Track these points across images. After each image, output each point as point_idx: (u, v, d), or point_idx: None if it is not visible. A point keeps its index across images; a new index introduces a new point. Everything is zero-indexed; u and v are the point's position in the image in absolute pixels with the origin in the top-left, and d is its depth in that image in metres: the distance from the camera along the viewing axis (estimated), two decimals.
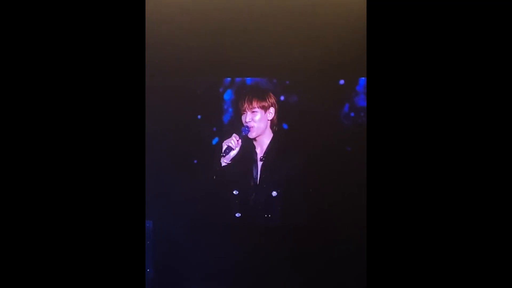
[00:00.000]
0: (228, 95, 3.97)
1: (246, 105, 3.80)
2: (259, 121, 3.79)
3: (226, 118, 3.90)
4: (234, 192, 3.82)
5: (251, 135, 3.80)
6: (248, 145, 3.84)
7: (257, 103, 3.79)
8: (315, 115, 3.87)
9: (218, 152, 3.79)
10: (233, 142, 3.73)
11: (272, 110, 3.81)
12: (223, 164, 3.76)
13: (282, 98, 3.95)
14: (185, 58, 3.89)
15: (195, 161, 3.89)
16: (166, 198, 3.85)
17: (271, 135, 3.85)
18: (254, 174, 3.84)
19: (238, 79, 3.98)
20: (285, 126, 3.93)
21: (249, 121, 3.79)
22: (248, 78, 3.98)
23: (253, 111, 3.79)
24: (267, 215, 3.78)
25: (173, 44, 3.86)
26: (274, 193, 3.78)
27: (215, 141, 3.89)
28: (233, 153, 3.74)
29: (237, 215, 3.81)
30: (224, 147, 3.73)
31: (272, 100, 3.82)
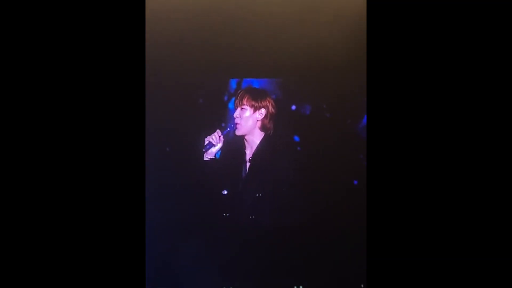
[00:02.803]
0: (233, 104, 3.96)
1: (237, 101, 3.81)
2: (246, 119, 3.78)
3: (230, 126, 3.87)
4: (223, 192, 3.82)
5: (238, 132, 3.80)
6: (238, 145, 3.83)
7: (247, 101, 3.80)
8: (328, 126, 3.87)
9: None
10: (215, 138, 3.75)
11: (263, 111, 3.81)
12: (205, 159, 3.78)
13: (293, 107, 3.95)
14: (188, 59, 3.88)
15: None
16: (161, 199, 3.84)
17: (261, 136, 3.84)
18: (243, 174, 3.83)
19: (244, 85, 3.97)
20: (296, 138, 3.92)
21: (236, 117, 3.79)
22: (254, 81, 3.97)
23: (242, 108, 3.79)
24: (252, 216, 3.79)
25: (174, 47, 3.86)
26: (260, 194, 3.78)
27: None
28: (214, 149, 3.76)
29: (225, 214, 3.80)
30: (206, 142, 3.75)
31: (266, 103, 3.81)
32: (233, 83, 3.99)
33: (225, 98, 4.01)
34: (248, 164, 3.83)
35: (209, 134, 3.81)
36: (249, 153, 3.85)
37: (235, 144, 3.83)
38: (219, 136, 3.75)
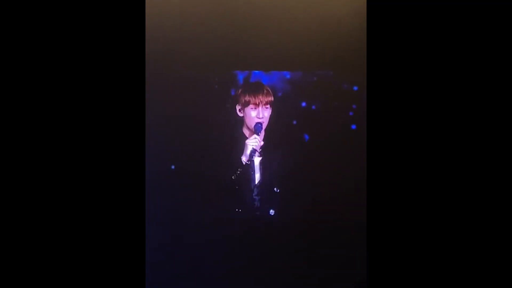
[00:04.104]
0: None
1: (261, 98, 3.65)
2: (267, 119, 3.68)
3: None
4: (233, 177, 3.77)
5: (261, 134, 3.66)
6: (238, 143, 3.79)
7: (270, 97, 3.67)
8: (336, 124, 3.84)
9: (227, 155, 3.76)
10: (257, 143, 3.63)
11: (270, 109, 3.73)
12: (244, 163, 3.69)
13: (303, 104, 3.89)
14: (190, 54, 3.88)
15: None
16: (161, 198, 3.85)
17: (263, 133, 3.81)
18: (252, 170, 3.80)
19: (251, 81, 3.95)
20: (306, 136, 3.86)
21: (262, 118, 3.64)
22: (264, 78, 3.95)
23: (266, 107, 3.66)
24: (271, 213, 3.77)
25: (175, 41, 3.85)
26: (276, 190, 3.75)
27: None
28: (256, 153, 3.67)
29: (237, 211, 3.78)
30: (250, 149, 3.63)
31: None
32: (240, 78, 3.98)
33: (232, 92, 3.99)
34: (259, 159, 3.80)
35: (216, 134, 3.78)
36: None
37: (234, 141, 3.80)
38: (260, 141, 3.63)
